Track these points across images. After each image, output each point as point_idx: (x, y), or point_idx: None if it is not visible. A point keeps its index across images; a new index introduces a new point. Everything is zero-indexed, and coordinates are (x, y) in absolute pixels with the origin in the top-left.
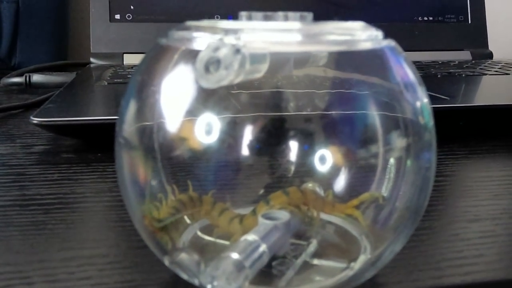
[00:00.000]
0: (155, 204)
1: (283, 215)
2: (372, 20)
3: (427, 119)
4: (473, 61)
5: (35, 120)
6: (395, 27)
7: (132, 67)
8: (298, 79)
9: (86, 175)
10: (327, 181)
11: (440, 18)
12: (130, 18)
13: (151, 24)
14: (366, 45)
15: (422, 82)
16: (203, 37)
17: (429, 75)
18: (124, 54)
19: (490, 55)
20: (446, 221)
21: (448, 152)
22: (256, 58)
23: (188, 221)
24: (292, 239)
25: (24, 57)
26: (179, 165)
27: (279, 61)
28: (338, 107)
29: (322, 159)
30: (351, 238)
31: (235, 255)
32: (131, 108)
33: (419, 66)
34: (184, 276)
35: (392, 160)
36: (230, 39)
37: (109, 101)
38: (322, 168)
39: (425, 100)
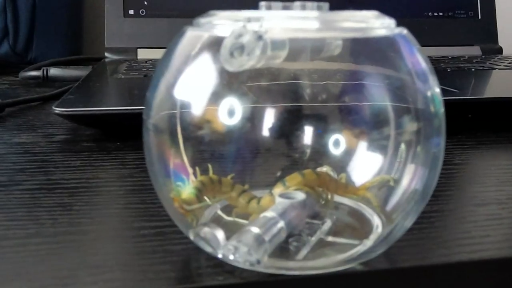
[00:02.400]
0: (179, 184)
1: (299, 195)
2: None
3: (438, 106)
4: (483, 56)
5: (57, 110)
6: (406, 22)
7: (146, 61)
8: (314, 66)
9: (107, 162)
10: (341, 164)
11: (450, 14)
12: (143, 14)
13: (164, 19)
14: (380, 32)
15: (433, 71)
16: (227, 24)
17: (438, 70)
18: (138, 49)
19: (500, 51)
20: (454, 205)
21: (456, 143)
22: (277, 44)
23: (209, 201)
24: (307, 219)
25: (40, 52)
26: (202, 148)
27: (297, 49)
28: (351, 94)
29: (336, 144)
30: (363, 218)
31: (255, 229)
32: (158, 94)
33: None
34: (208, 248)
35: (402, 144)
36: (252, 26)
37: (125, 93)
38: (336, 152)
39: (436, 88)
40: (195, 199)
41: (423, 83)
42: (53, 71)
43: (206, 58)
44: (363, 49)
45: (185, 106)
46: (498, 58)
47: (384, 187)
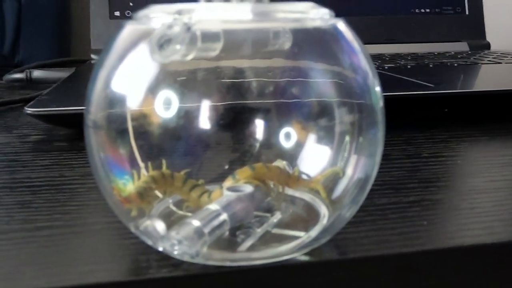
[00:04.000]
0: (126, 178)
1: (248, 188)
2: (370, 12)
3: (375, 99)
4: (469, 52)
5: (29, 110)
6: (393, 19)
7: None
8: (252, 60)
9: (75, 160)
10: (290, 158)
11: (437, 10)
12: (129, 15)
13: None
14: (315, 23)
15: (371, 60)
16: (159, 17)
17: (421, 65)
18: None
19: (487, 46)
20: (414, 198)
21: (429, 137)
22: (208, 36)
23: (160, 195)
24: (258, 212)
25: (27, 54)
26: (142, 142)
27: (235, 41)
28: (289, 87)
29: (284, 137)
30: (313, 210)
31: (196, 222)
32: (97, 89)
33: (413, 57)
34: (149, 242)
35: (343, 136)
36: (182, 18)
37: None
38: (284, 145)
39: (375, 81)
40: (138, 193)
41: (360, 74)
42: (37, 73)
43: (141, 51)
44: (299, 40)
45: (121, 100)
46: (484, 53)
47: (334, 179)
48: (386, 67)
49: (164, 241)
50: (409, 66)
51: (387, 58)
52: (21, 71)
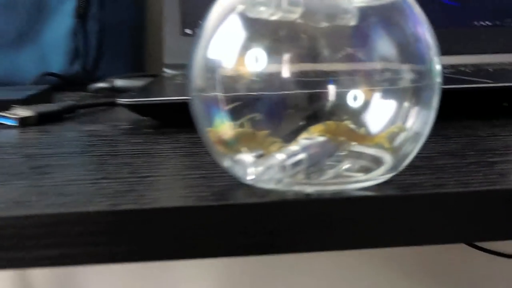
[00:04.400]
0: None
1: (320, 139)
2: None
3: (434, 66)
4: None
5: (121, 101)
6: (454, 31)
7: None
8: (328, 28)
9: (163, 139)
10: (359, 116)
11: (498, 23)
12: None
13: None
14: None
15: (432, 33)
16: None
17: (481, 69)
18: None
19: None
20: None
21: (487, 124)
22: (291, 1)
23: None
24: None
25: (107, 70)
26: (236, 97)
27: (311, 7)
28: (363, 53)
29: (354, 98)
30: (378, 160)
31: (280, 156)
32: (196, 54)
33: (474, 65)
34: (240, 172)
35: (407, 95)
36: None
37: (180, 90)
38: (353, 105)
39: (435, 51)
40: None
41: (423, 44)
42: (119, 82)
43: (235, 13)
44: (372, 12)
45: (217, 62)
46: None
47: (396, 133)
48: (445, 72)
49: (253, 169)
50: (468, 71)
51: (447, 66)
52: (105, 81)
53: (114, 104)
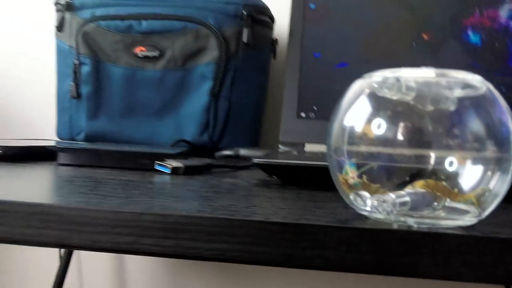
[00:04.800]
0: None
1: (421, 191)
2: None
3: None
4: None
5: (257, 160)
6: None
7: (312, 152)
8: (433, 110)
9: (287, 191)
10: (454, 177)
11: None
12: (312, 116)
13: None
14: (476, 89)
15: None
16: (381, 75)
17: None
18: (306, 143)
19: None
20: None
21: None
22: (408, 86)
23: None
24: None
25: (229, 142)
26: (362, 152)
27: (422, 93)
28: (460, 129)
29: (450, 163)
30: (466, 211)
31: (392, 195)
32: (334, 124)
33: None
34: (360, 203)
35: (493, 164)
36: (395, 74)
37: (298, 157)
38: (450, 168)
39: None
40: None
41: (505, 128)
42: (243, 151)
43: (365, 94)
44: (468, 101)
45: (350, 127)
46: None
47: (483, 194)
48: None
49: (370, 202)
50: None
51: None
52: (230, 150)
53: (239, 168)
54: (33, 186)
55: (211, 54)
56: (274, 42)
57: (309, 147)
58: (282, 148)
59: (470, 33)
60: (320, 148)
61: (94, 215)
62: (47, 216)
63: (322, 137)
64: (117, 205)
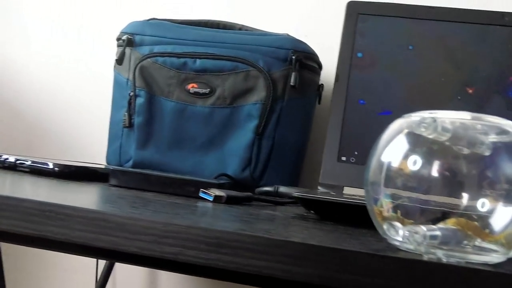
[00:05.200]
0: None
1: (453, 228)
2: None
3: None
4: None
5: (296, 194)
6: None
7: (350, 194)
8: (468, 153)
9: (325, 225)
10: (486, 219)
11: None
12: (353, 161)
13: None
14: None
15: None
16: (419, 115)
17: None
18: (344, 187)
19: None
20: None
21: None
22: (444, 127)
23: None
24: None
25: (269, 180)
26: (398, 186)
27: (457, 135)
28: (490, 172)
29: (482, 206)
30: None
31: (423, 228)
32: (372, 159)
33: None
34: (392, 233)
35: None
36: (431, 115)
37: (338, 196)
38: (481, 209)
39: None
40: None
41: None
42: (282, 189)
43: (403, 132)
44: (501, 146)
45: (388, 163)
46: None
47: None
48: None
49: (403, 233)
50: None
51: None
52: (271, 186)
53: (278, 203)
54: (89, 198)
55: (259, 94)
56: (320, 87)
57: (348, 190)
58: (321, 189)
59: None
60: (359, 192)
61: (146, 225)
62: (104, 222)
63: (361, 181)
64: (166, 218)
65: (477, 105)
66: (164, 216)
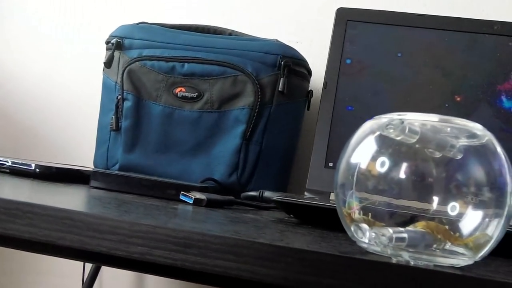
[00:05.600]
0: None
1: (421, 231)
2: None
3: (506, 195)
4: None
5: (275, 197)
6: None
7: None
8: (438, 154)
9: (301, 228)
10: (456, 223)
11: None
12: None
13: None
14: (479, 138)
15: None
16: (387, 117)
17: None
18: (331, 193)
19: None
20: None
21: None
22: (411, 129)
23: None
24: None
25: (257, 184)
26: (366, 188)
27: (426, 137)
28: (460, 175)
29: (452, 209)
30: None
31: (390, 229)
32: (341, 161)
33: None
34: (359, 235)
35: (490, 210)
36: (399, 117)
37: (320, 201)
38: (453, 214)
39: (510, 184)
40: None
41: (503, 179)
42: (267, 194)
43: (372, 133)
44: (471, 150)
45: (356, 165)
46: None
47: (481, 239)
48: None
49: (369, 234)
50: None
51: None
52: (256, 191)
53: (261, 208)
54: (63, 199)
55: (247, 99)
56: (309, 93)
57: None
58: (307, 195)
59: (503, 98)
60: None
61: (113, 224)
62: (71, 221)
63: None
64: (135, 218)
65: (465, 113)
66: (134, 217)
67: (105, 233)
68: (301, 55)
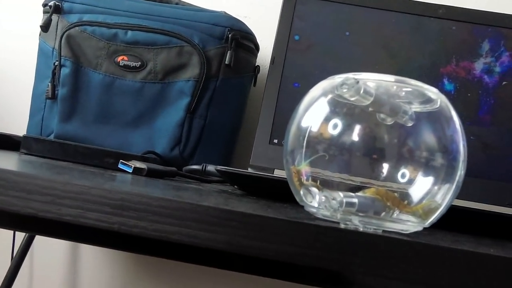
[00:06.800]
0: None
1: (371, 197)
2: (496, 177)
3: (460, 160)
4: None
5: (219, 168)
6: None
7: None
8: (390, 120)
9: (246, 198)
10: (405, 190)
11: None
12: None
13: None
14: (433, 101)
15: (463, 133)
16: (343, 77)
17: None
18: (275, 170)
19: None
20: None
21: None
22: (366, 90)
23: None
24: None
25: (200, 159)
26: (317, 151)
27: (380, 101)
28: (411, 140)
29: (402, 176)
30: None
31: (340, 193)
32: (292, 123)
33: None
34: (309, 199)
35: (440, 176)
36: (354, 77)
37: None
38: (401, 180)
39: (462, 142)
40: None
41: (456, 146)
42: (210, 167)
43: (325, 95)
44: (424, 116)
45: (307, 128)
46: None
47: (429, 205)
48: None
49: (318, 197)
50: None
51: None
52: (199, 165)
53: (205, 181)
54: None
55: (192, 71)
56: (256, 69)
57: (278, 173)
58: (251, 171)
59: (445, 81)
60: None
61: (43, 183)
62: None
63: None
64: (68, 179)
65: None
66: (67, 177)
67: (34, 193)
68: (249, 29)
